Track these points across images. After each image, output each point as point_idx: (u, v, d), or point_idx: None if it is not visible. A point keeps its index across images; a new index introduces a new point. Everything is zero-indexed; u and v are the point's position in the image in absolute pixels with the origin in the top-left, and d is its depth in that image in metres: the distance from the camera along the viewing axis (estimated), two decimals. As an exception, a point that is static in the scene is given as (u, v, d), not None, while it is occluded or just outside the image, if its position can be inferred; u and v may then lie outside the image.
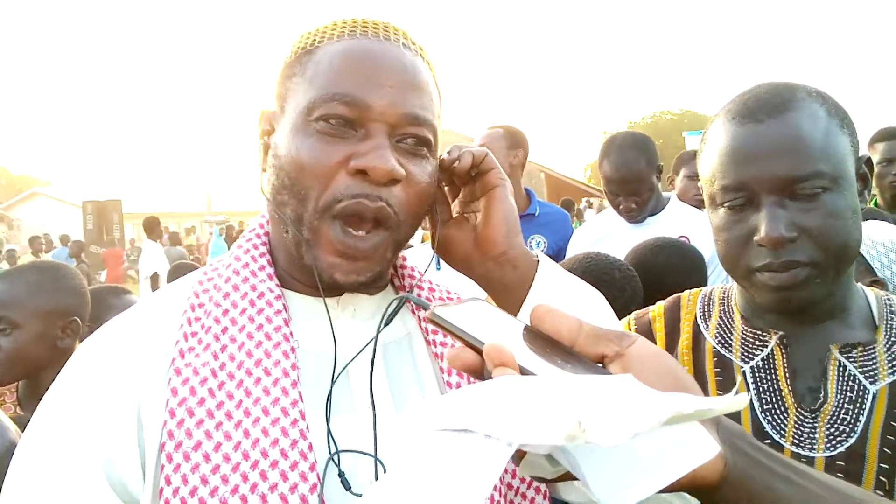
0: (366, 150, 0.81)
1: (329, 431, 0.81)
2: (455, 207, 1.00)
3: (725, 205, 1.03)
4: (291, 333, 0.84)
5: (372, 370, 0.85)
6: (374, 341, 0.85)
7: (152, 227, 10.11)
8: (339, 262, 0.84)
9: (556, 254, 3.34)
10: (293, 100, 0.86)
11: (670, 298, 1.24)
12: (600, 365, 0.62)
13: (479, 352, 0.61)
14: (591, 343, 0.62)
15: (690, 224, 2.83)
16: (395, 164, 0.81)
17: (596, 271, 2.00)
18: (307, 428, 0.78)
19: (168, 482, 0.75)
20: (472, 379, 0.86)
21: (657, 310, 1.23)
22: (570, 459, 0.57)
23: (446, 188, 1.00)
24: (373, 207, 0.82)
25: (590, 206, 18.73)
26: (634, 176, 2.78)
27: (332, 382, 0.84)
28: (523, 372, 0.57)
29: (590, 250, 2.85)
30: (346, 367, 0.86)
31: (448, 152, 0.95)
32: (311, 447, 0.77)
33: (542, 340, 0.63)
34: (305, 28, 0.92)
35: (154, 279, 9.21)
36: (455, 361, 0.63)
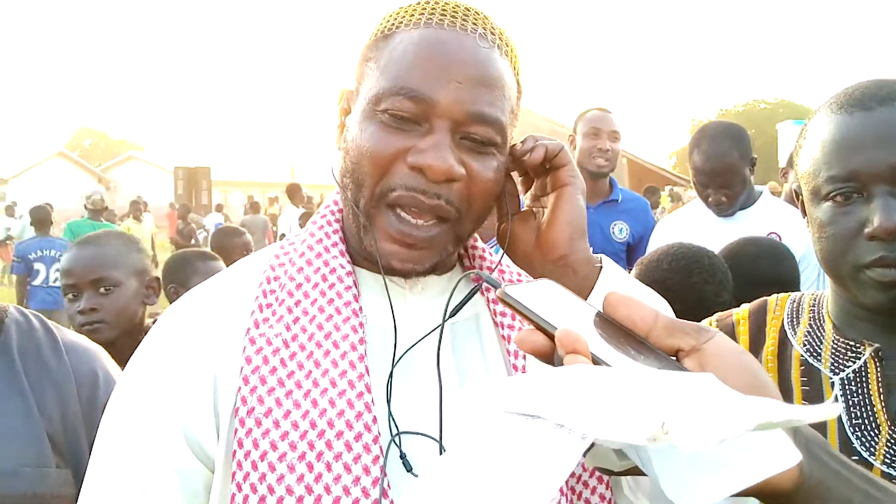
0: (425, 147, 0.81)
1: (390, 413, 0.82)
2: (526, 199, 0.98)
3: (832, 196, 0.96)
4: (361, 309, 0.86)
5: (439, 350, 0.85)
6: (440, 327, 0.85)
7: (294, 193, 10.71)
8: (396, 249, 0.84)
9: (638, 242, 3.30)
10: (366, 85, 0.87)
11: (756, 302, 1.18)
12: (674, 359, 0.60)
13: (549, 335, 0.60)
14: (666, 335, 0.60)
15: (783, 220, 2.71)
16: (452, 164, 0.81)
17: (685, 258, 1.94)
18: (372, 401, 0.80)
19: (240, 445, 0.78)
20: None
21: (742, 313, 1.18)
22: (641, 456, 0.55)
23: (520, 178, 0.98)
24: (429, 204, 0.82)
25: (672, 197, 18.22)
26: (726, 168, 2.66)
27: (394, 364, 0.84)
28: (595, 361, 0.56)
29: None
30: (409, 349, 0.86)
31: (522, 142, 0.92)
32: (375, 420, 0.79)
33: (614, 329, 0.61)
34: (388, 7, 0.91)
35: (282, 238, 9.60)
36: (524, 344, 0.62)
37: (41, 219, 7.33)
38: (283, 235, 9.66)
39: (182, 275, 2.81)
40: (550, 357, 0.61)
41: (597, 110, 3.43)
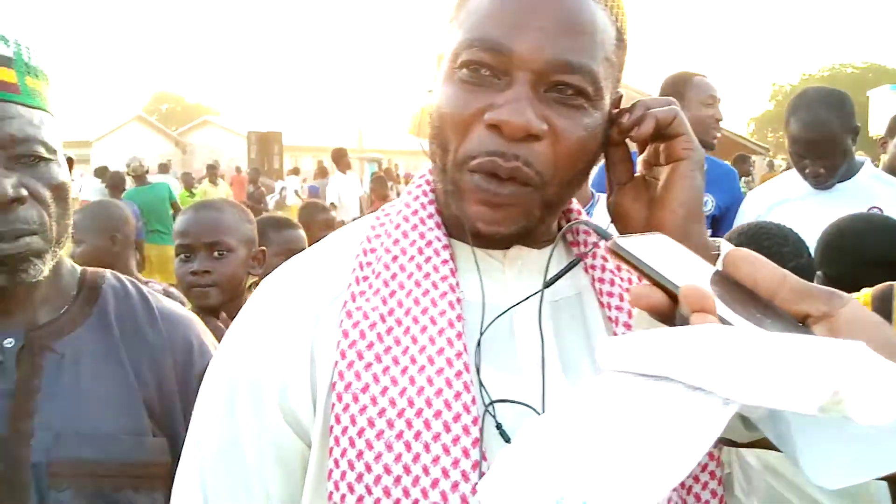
0: (502, 102, 0.75)
1: (480, 382, 0.78)
2: (639, 166, 0.89)
3: None
4: (458, 284, 0.83)
5: (540, 316, 0.81)
6: (540, 292, 0.81)
7: (339, 159, 10.60)
8: (482, 210, 0.79)
9: (724, 213, 3.15)
10: (448, 45, 0.82)
11: (879, 287, 1.09)
12: (801, 325, 0.54)
13: (668, 292, 0.55)
14: (794, 299, 0.54)
15: (885, 194, 2.54)
16: (530, 118, 0.74)
17: (760, 238, 1.85)
18: (471, 381, 0.77)
19: (337, 421, 0.77)
20: None
21: (863, 297, 1.09)
22: (778, 428, 0.50)
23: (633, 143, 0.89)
24: (506, 167, 0.76)
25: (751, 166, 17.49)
26: (825, 137, 2.49)
27: (481, 333, 0.81)
28: (722, 321, 0.51)
29: (764, 216, 2.67)
30: (498, 316, 0.82)
31: (629, 110, 0.84)
32: (474, 400, 0.76)
33: (735, 289, 0.56)
34: None
35: (332, 207, 9.57)
36: (640, 300, 0.56)
37: (114, 184, 8.23)
38: (333, 205, 9.41)
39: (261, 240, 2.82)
40: (667, 316, 0.56)
41: (700, 76, 3.17)
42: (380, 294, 0.82)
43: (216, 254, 1.96)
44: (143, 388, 1.06)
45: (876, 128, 5.57)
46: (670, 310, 0.55)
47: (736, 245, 1.88)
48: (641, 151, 0.89)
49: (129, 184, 9.05)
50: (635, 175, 0.88)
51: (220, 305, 1.96)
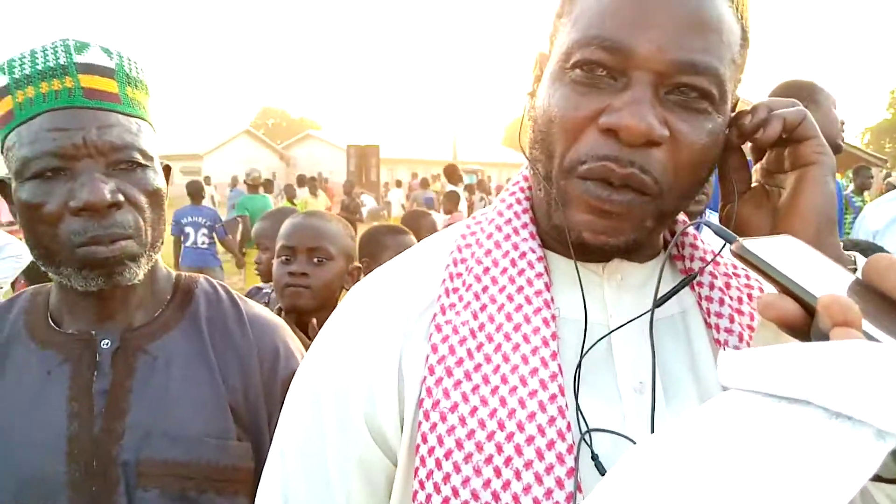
0: (620, 105, 0.68)
1: (578, 407, 0.73)
2: (756, 174, 0.81)
3: None
4: (553, 299, 0.77)
5: (652, 339, 0.74)
6: (650, 312, 0.74)
7: (452, 172, 11.08)
8: (590, 219, 0.72)
9: None
10: (558, 43, 0.76)
11: None
12: None
13: (800, 301, 0.48)
14: None
15: None
16: (652, 122, 0.67)
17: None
18: (566, 405, 0.71)
19: (424, 440, 0.73)
20: None
21: None
22: None
23: (749, 149, 0.81)
24: (621, 174, 0.69)
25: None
26: None
27: (581, 356, 0.75)
28: (868, 337, 0.44)
29: (882, 233, 2.47)
30: (598, 340, 0.76)
31: (752, 112, 0.76)
32: (569, 426, 0.70)
33: (878, 300, 0.49)
34: None
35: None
36: (770, 310, 0.50)
37: (194, 191, 8.72)
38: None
39: (373, 248, 2.93)
40: (801, 329, 0.49)
41: (824, 94, 2.99)
42: (471, 307, 0.77)
43: (316, 259, 2.00)
44: (230, 392, 1.07)
45: None
46: (804, 323, 0.48)
47: None
48: (758, 159, 0.81)
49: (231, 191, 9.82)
50: (753, 184, 0.81)
51: (310, 310, 1.99)
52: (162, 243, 1.10)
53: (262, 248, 3.13)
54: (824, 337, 0.45)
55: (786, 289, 0.50)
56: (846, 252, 0.76)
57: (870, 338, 0.44)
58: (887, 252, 1.76)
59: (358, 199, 12.22)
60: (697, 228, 0.86)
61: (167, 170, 1.14)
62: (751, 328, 0.80)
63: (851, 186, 8.40)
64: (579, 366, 0.75)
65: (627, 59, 0.69)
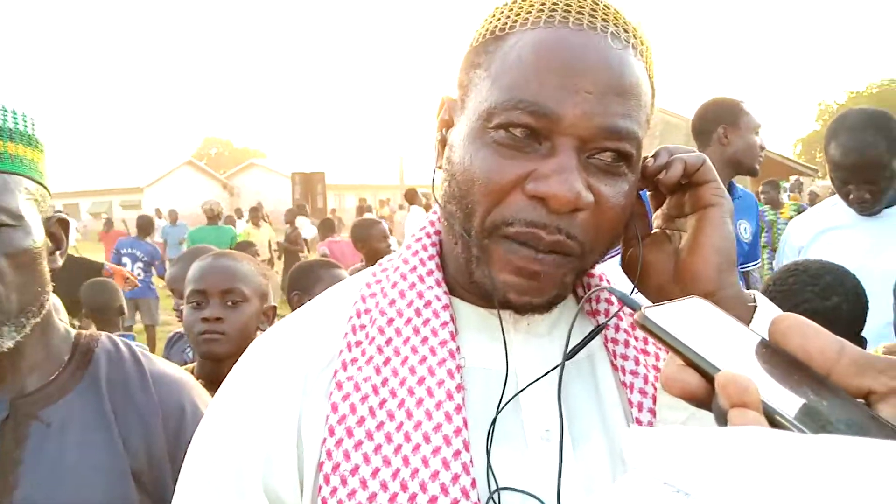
0: (548, 172, 0.68)
1: (489, 465, 0.72)
2: (656, 220, 0.83)
3: None
4: (458, 349, 0.76)
5: (560, 396, 0.73)
6: (560, 367, 0.73)
7: (413, 197, 11.17)
8: (515, 280, 0.72)
9: (751, 242, 3.15)
10: (474, 96, 0.74)
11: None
12: (861, 401, 0.46)
13: (703, 373, 0.47)
14: (855, 373, 0.46)
15: (939, 220, 2.38)
16: (580, 190, 0.68)
17: (794, 282, 1.74)
18: (471, 461, 0.70)
19: None
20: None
21: None
22: None
23: (648, 194, 0.83)
24: (549, 241, 0.69)
25: (797, 187, 16.99)
26: (870, 161, 2.32)
27: (497, 412, 0.74)
28: (767, 412, 0.43)
29: (807, 246, 2.53)
30: (516, 394, 0.75)
31: (654, 156, 0.78)
32: (473, 483, 0.69)
33: (784, 362, 0.48)
34: (498, 2, 0.78)
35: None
36: (672, 385, 0.49)
37: (142, 225, 9.24)
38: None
39: (306, 282, 2.88)
40: (703, 402, 0.48)
41: (744, 103, 3.05)
42: (373, 362, 0.75)
43: (230, 302, 1.91)
44: (131, 457, 1.02)
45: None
46: (707, 395, 0.47)
47: (771, 288, 1.75)
48: (657, 207, 0.83)
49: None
50: (653, 230, 0.82)
51: (227, 355, 1.88)
52: (42, 306, 1.02)
53: (178, 295, 2.93)
54: (723, 416, 0.44)
55: (688, 360, 0.48)
56: (748, 291, 0.78)
57: (770, 412, 0.43)
58: (829, 269, 1.81)
59: (297, 228, 12.04)
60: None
61: (62, 223, 1.08)
62: (656, 368, 0.80)
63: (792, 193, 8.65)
64: (494, 422, 0.73)
65: (553, 125, 0.69)
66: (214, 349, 1.88)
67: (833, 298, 1.71)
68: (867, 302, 1.77)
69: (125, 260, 8.60)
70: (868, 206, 2.41)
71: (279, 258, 12.49)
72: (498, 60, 0.72)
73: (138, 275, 8.35)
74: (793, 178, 18.76)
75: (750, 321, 0.73)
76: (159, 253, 9.24)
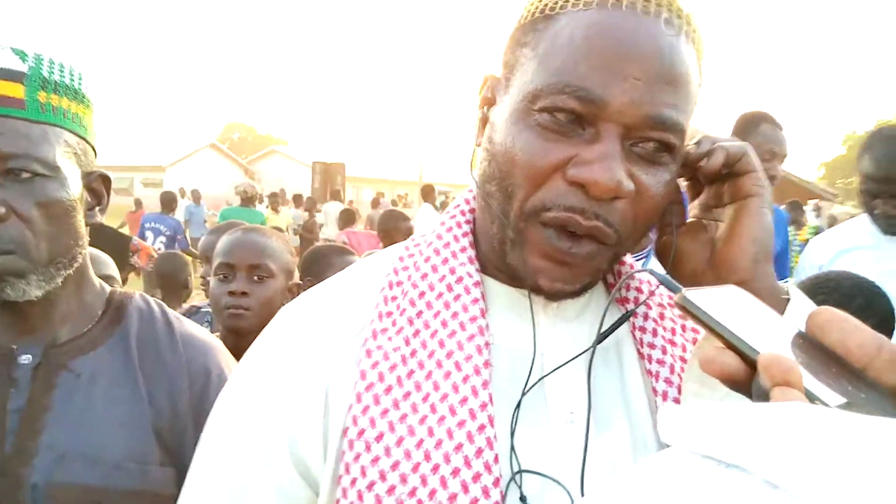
0: (590, 158, 0.68)
1: (512, 447, 0.72)
2: (693, 210, 0.83)
3: None
4: (487, 326, 0.76)
5: (589, 380, 0.74)
6: (591, 351, 0.74)
7: (428, 193, 11.17)
8: (547, 265, 0.72)
9: (777, 258, 3.05)
10: (520, 76, 0.74)
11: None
12: None
13: (742, 356, 0.48)
14: (892, 369, 0.46)
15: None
16: (622, 179, 0.67)
17: (821, 280, 1.72)
18: (495, 436, 0.70)
19: (347, 471, 0.71)
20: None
21: None
22: None
23: (685, 184, 0.83)
24: (586, 226, 0.69)
25: (816, 210, 16.80)
26: None
27: (523, 393, 0.74)
28: (809, 398, 0.43)
29: (827, 266, 2.52)
30: (544, 376, 0.76)
31: (696, 143, 0.77)
32: (496, 459, 0.69)
33: (821, 355, 0.48)
34: None
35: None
36: (712, 365, 0.49)
37: (165, 201, 9.40)
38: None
39: (318, 268, 2.87)
40: (741, 385, 0.48)
41: (769, 124, 3.04)
42: (403, 333, 0.76)
43: (256, 277, 1.92)
44: (156, 415, 1.03)
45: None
46: (746, 378, 0.48)
47: None
48: (694, 197, 0.83)
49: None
50: (689, 219, 0.82)
51: (251, 331, 1.87)
52: (72, 258, 1.03)
53: (209, 262, 3.02)
54: (765, 395, 0.44)
55: (728, 342, 0.49)
56: (781, 282, 0.78)
57: (811, 397, 0.43)
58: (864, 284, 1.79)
59: (314, 216, 12.06)
60: (645, 259, 0.86)
61: (105, 180, 1.10)
62: (683, 360, 0.80)
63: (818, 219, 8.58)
64: (519, 404, 0.74)
65: (599, 111, 0.68)
66: (239, 323, 1.89)
67: (866, 323, 1.70)
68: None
69: (148, 234, 8.70)
70: (894, 223, 2.39)
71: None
72: (547, 40, 0.72)
73: (159, 249, 8.45)
74: (812, 202, 18.52)
75: (783, 313, 0.73)
76: (182, 227, 9.39)
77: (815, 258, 2.62)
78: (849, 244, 2.54)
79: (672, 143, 0.71)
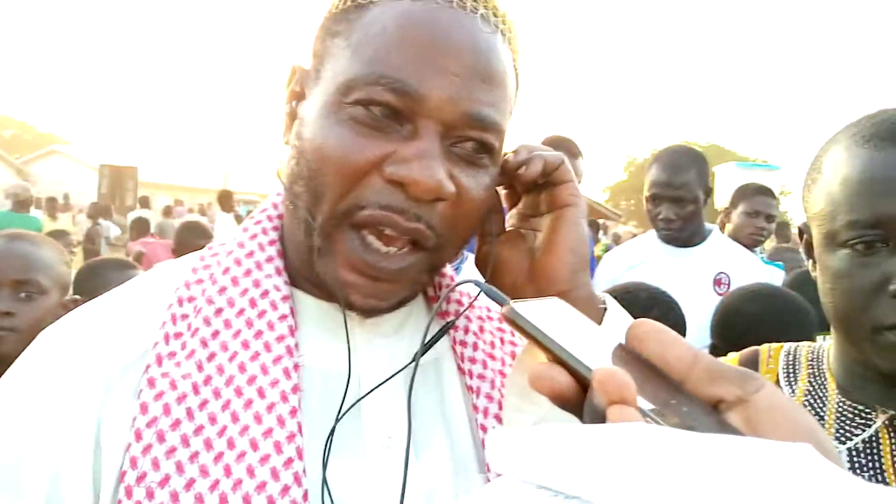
0: (409, 156, 0.64)
1: (325, 480, 0.65)
2: (511, 219, 0.81)
3: (852, 244, 0.84)
4: (297, 346, 0.69)
5: (409, 403, 0.68)
6: (414, 367, 0.68)
7: (225, 201, 10.39)
8: (358, 280, 0.67)
9: None
10: (331, 67, 0.68)
11: (746, 352, 1.06)
12: (712, 409, 0.47)
13: (572, 372, 0.46)
14: (706, 381, 0.46)
15: (733, 260, 2.68)
16: (443, 179, 0.64)
17: (619, 293, 1.84)
18: (304, 471, 0.63)
19: None
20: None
21: (730, 362, 1.04)
22: None
23: (503, 192, 0.82)
24: (405, 227, 0.65)
25: (603, 229, 18.50)
26: (681, 181, 2.60)
27: (337, 419, 0.68)
28: (643, 414, 0.42)
29: (619, 279, 2.72)
30: (359, 399, 0.70)
31: (514, 152, 0.76)
32: (305, 496, 0.62)
33: (641, 367, 0.48)
34: None
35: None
36: (540, 381, 0.46)
37: None
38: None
39: (93, 285, 2.50)
40: (572, 402, 0.46)
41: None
42: (195, 357, 0.66)
43: (23, 294, 1.66)
44: None
45: (721, 201, 6.01)
46: (576, 394, 0.45)
47: None
48: (512, 206, 0.82)
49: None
50: (508, 228, 0.80)
51: (15, 356, 1.63)
52: None
53: None
54: (599, 413, 0.41)
55: (556, 357, 0.46)
56: (601, 293, 0.79)
57: (644, 414, 0.41)
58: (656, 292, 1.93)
59: (98, 225, 11.01)
60: (457, 270, 0.83)
61: None
62: (503, 374, 0.78)
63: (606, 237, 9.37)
64: (332, 431, 0.67)
65: (417, 105, 0.64)
66: (1, 349, 1.59)
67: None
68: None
69: None
70: (673, 229, 2.65)
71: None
72: (360, 30, 0.67)
73: None
74: (600, 222, 20.33)
75: (600, 323, 0.73)
76: None
77: (607, 273, 2.83)
78: (636, 260, 2.80)
79: (491, 144, 0.69)
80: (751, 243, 3.44)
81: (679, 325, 1.89)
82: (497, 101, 0.68)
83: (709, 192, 2.70)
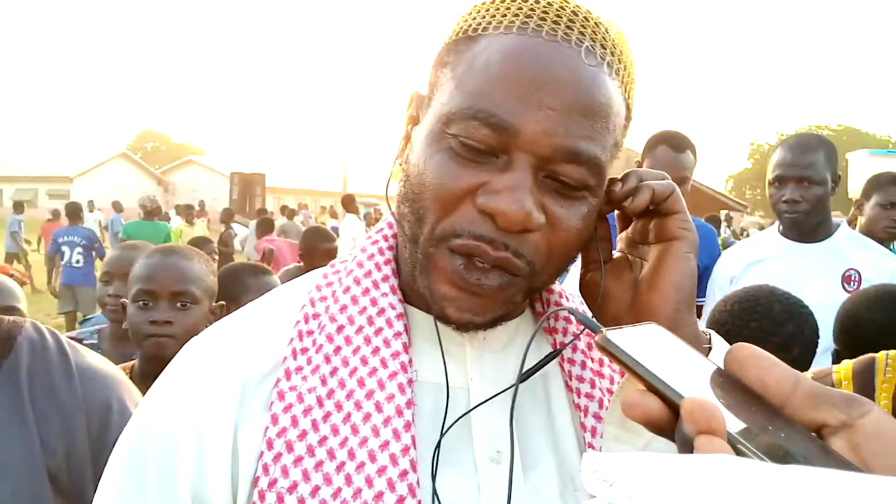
0: (500, 187, 0.65)
1: (435, 492, 0.68)
2: (619, 243, 0.80)
3: None
4: (410, 361, 0.72)
5: (512, 422, 0.70)
6: (514, 389, 0.70)
7: (349, 203, 10.95)
8: (456, 294, 0.69)
9: (703, 272, 3.09)
10: (439, 97, 0.71)
11: (861, 359, 1.02)
12: (816, 436, 0.46)
13: (665, 400, 0.46)
14: (808, 405, 0.46)
15: (864, 256, 2.48)
16: (530, 210, 0.65)
17: (749, 301, 1.77)
18: (417, 482, 0.66)
19: None
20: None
21: (844, 370, 1.02)
22: None
23: (615, 214, 0.81)
24: (494, 256, 0.66)
25: (727, 221, 17.59)
26: (808, 161, 2.44)
27: (442, 434, 0.71)
28: (731, 442, 0.42)
29: (739, 277, 2.61)
30: (464, 414, 0.72)
31: (622, 179, 0.75)
32: None
33: (739, 392, 0.48)
34: (476, 1, 0.75)
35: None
36: (633, 410, 0.47)
37: (71, 212, 9.45)
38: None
39: (233, 290, 2.70)
40: (664, 428, 0.47)
41: (666, 146, 2.98)
42: (319, 371, 0.71)
43: (180, 304, 1.84)
44: (49, 457, 0.95)
45: (853, 190, 5.54)
46: (669, 422, 0.46)
47: (721, 322, 1.71)
48: (622, 228, 0.80)
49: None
50: (616, 255, 0.80)
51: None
52: None
53: (105, 281, 2.71)
54: (688, 442, 0.43)
55: (650, 385, 0.47)
56: (704, 330, 0.77)
57: (734, 442, 0.42)
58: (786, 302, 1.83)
59: (230, 228, 11.74)
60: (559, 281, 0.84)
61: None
62: (610, 392, 0.78)
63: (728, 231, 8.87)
64: (438, 444, 0.70)
65: (511, 139, 0.65)
66: (162, 353, 1.78)
67: (794, 350, 1.69)
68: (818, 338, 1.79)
69: (64, 249, 8.57)
70: (799, 213, 2.47)
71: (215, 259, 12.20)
72: (465, 62, 0.70)
73: (77, 261, 8.50)
74: (723, 213, 19.42)
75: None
76: (96, 235, 9.45)
77: (726, 270, 2.72)
78: (757, 256, 2.64)
79: (585, 180, 0.68)
80: (886, 237, 3.15)
81: (813, 341, 1.78)
82: (595, 133, 0.67)
83: (837, 179, 2.51)
